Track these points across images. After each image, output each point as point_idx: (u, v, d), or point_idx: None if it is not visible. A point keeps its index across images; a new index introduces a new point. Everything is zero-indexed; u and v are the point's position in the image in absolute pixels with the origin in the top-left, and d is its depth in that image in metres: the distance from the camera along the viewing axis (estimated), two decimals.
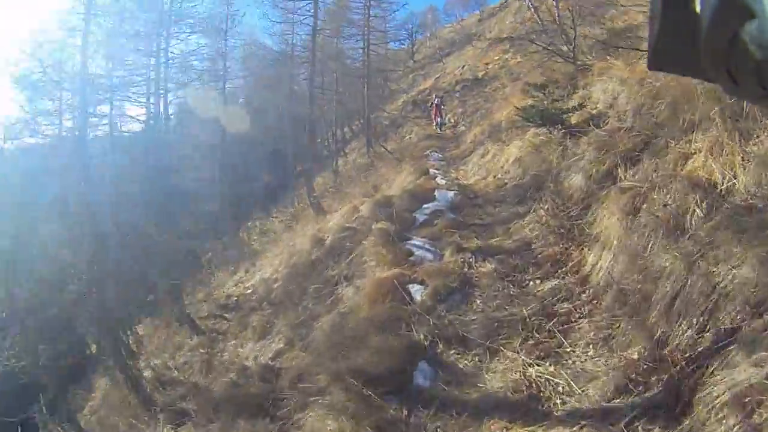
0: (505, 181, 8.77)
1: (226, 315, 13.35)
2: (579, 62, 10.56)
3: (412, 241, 7.02)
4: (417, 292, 5.64)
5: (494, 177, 9.42)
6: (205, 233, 22.06)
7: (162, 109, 21.45)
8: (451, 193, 9.18)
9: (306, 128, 19.69)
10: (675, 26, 0.53)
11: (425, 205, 8.82)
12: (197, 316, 14.99)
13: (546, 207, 5.96)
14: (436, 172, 11.29)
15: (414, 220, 8.18)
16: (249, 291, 13.72)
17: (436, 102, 20.30)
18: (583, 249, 5.23)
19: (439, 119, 19.71)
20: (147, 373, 13.32)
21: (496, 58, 24.70)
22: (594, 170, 5.65)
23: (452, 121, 20.67)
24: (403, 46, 42.59)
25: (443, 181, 10.31)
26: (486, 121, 14.21)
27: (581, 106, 7.86)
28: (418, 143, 17.69)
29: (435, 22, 45.91)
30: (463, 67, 28.49)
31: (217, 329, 12.81)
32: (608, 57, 9.20)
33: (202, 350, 11.90)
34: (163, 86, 18.57)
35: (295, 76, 22.99)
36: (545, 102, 7.91)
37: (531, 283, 5.21)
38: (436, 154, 14.17)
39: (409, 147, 18.02)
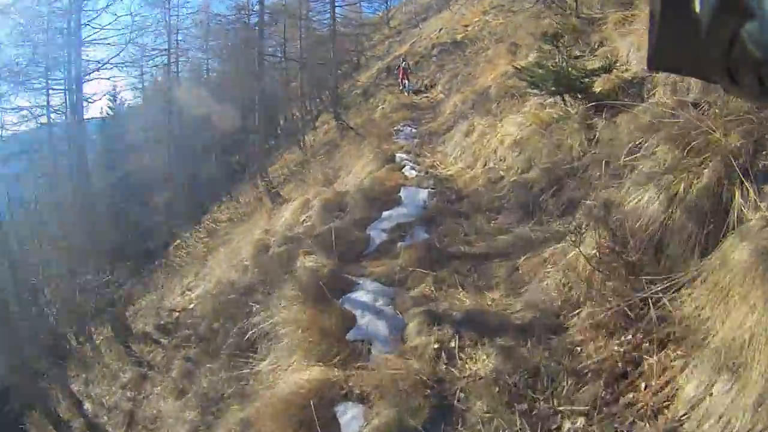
0: (501, 173, 6.00)
1: (163, 339, 10.69)
2: (583, 15, 7.97)
3: (354, 295, 4.25)
4: (351, 423, 2.91)
5: (485, 166, 6.63)
6: (160, 227, 19.14)
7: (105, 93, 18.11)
8: (423, 193, 6.42)
9: (256, 101, 16.47)
10: (675, 26, 0.51)
11: (386, 213, 6.08)
12: (140, 332, 12.50)
13: (594, 249, 3.13)
14: (405, 157, 8.45)
15: (367, 243, 5.45)
16: (191, 306, 11.01)
17: (402, 65, 18.33)
18: (668, 353, 2.51)
19: (406, 82, 17.73)
20: (86, 405, 11.31)
21: (476, 19, 22.01)
22: (679, 187, 2.84)
23: (428, 86, 17.82)
24: (378, 13, 38.99)
25: (413, 172, 7.51)
26: (468, 87, 11.31)
27: (609, 67, 5.03)
28: (389, 114, 14.71)
29: None
30: (440, 30, 25.59)
31: (149, 361, 10.22)
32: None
33: (129, 393, 9.43)
34: (84, 67, 14.97)
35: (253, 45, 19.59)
36: (558, 58, 5.05)
37: (568, 426, 2.49)
38: (409, 128, 11.27)
39: (379, 119, 15.05)
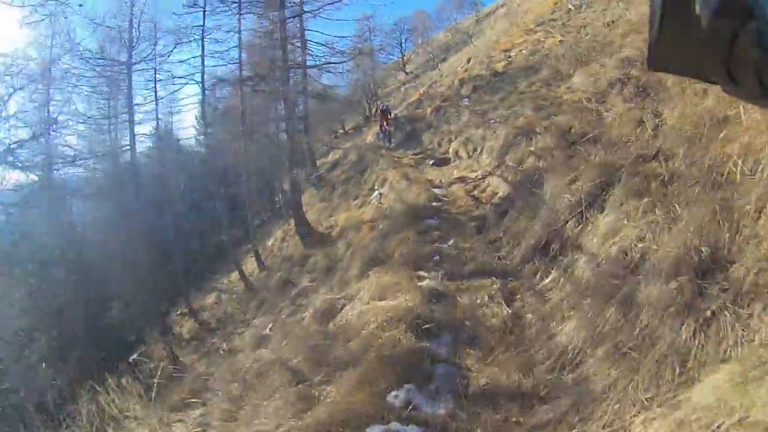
0: None
1: None
2: None
3: None
4: None
5: None
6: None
7: None
8: None
9: None
10: (675, 26, 0.46)
11: None
12: None
13: None
14: None
15: None
16: None
17: (381, 107, 14.66)
18: None
19: (386, 128, 13.61)
20: None
21: (520, 41, 14.11)
22: None
23: (460, 154, 8.52)
24: (392, 58, 31.25)
25: None
26: None
27: None
28: (370, 239, 4.95)
29: (426, 27, 32.70)
30: (469, 60, 16.72)
31: None
32: None
33: None
34: None
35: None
36: None
37: None
38: None
39: (353, 238, 5.36)
